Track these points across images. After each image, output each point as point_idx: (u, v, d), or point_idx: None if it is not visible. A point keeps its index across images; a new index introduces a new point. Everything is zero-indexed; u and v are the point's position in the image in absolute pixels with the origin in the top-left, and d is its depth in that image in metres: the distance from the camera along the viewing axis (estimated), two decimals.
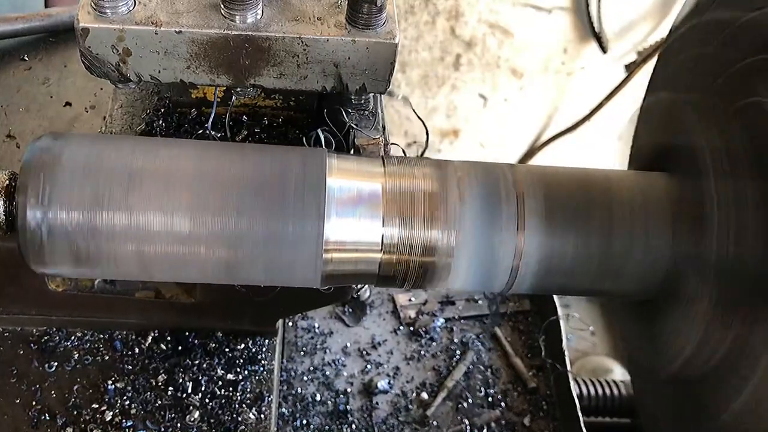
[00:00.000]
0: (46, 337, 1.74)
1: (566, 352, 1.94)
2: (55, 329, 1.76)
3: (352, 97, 1.43)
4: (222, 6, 1.26)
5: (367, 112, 1.44)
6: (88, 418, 1.64)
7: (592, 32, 3.41)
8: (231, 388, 1.70)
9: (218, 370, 1.73)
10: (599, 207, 1.28)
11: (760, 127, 1.14)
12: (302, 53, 1.29)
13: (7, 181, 1.21)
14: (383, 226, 1.23)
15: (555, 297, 2.02)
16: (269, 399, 1.70)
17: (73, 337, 1.75)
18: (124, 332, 1.77)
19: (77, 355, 1.73)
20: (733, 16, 1.24)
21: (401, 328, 2.06)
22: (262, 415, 1.68)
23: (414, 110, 3.48)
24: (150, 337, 1.76)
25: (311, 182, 1.20)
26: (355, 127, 1.41)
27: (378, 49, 1.30)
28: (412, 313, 2.08)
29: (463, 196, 1.25)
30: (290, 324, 2.03)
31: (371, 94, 1.45)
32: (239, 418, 1.66)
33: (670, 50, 1.51)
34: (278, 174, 1.21)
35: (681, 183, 1.31)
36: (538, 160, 3.83)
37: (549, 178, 1.31)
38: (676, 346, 1.30)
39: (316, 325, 2.03)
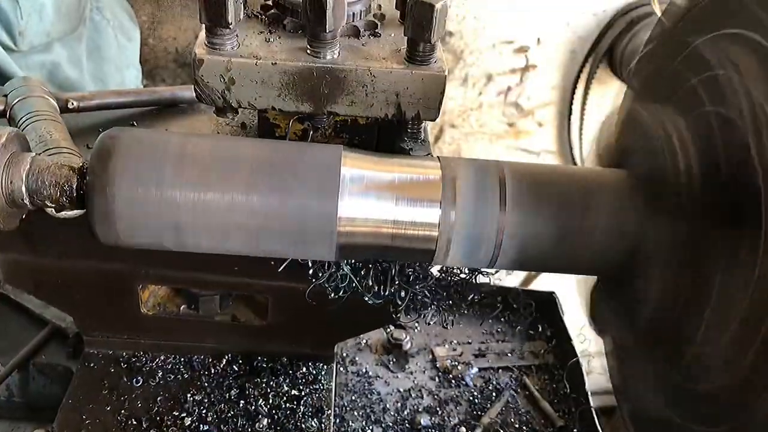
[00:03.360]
0: (134, 359, 1.99)
1: (588, 392, 2.14)
2: (141, 352, 2.01)
3: (408, 127, 1.75)
4: (308, 47, 1.61)
5: (420, 140, 1.76)
6: (169, 422, 1.86)
7: None
8: (295, 402, 1.92)
9: (284, 387, 1.95)
10: (573, 190, 1.52)
11: (710, 132, 1.36)
12: (370, 83, 1.62)
13: (81, 163, 1.45)
14: (391, 204, 1.47)
15: (573, 343, 2.25)
16: (328, 412, 1.91)
17: (157, 359, 2.00)
18: (202, 356, 2.01)
19: (161, 373, 1.97)
20: (690, 39, 1.49)
21: (440, 374, 2.27)
22: (323, 425, 1.88)
23: None
24: (224, 360, 2.00)
25: (328, 167, 1.46)
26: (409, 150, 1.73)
27: (431, 79, 1.62)
28: (449, 363, 2.30)
29: (458, 182, 1.50)
30: (342, 369, 2.25)
31: (423, 126, 1.76)
32: (302, 426, 1.87)
33: (640, 64, 1.74)
34: (302, 160, 1.48)
35: (642, 175, 1.53)
36: None
37: (530, 168, 1.56)
38: (644, 304, 1.48)
39: (365, 370, 2.25)
